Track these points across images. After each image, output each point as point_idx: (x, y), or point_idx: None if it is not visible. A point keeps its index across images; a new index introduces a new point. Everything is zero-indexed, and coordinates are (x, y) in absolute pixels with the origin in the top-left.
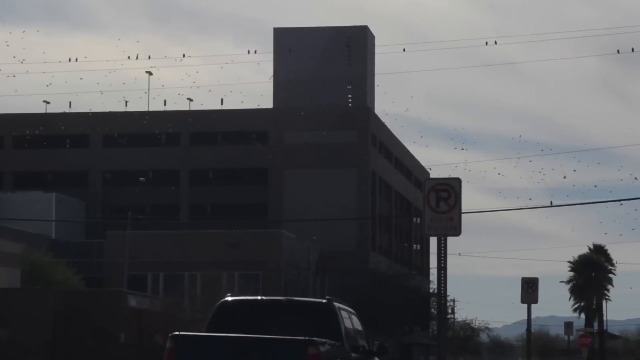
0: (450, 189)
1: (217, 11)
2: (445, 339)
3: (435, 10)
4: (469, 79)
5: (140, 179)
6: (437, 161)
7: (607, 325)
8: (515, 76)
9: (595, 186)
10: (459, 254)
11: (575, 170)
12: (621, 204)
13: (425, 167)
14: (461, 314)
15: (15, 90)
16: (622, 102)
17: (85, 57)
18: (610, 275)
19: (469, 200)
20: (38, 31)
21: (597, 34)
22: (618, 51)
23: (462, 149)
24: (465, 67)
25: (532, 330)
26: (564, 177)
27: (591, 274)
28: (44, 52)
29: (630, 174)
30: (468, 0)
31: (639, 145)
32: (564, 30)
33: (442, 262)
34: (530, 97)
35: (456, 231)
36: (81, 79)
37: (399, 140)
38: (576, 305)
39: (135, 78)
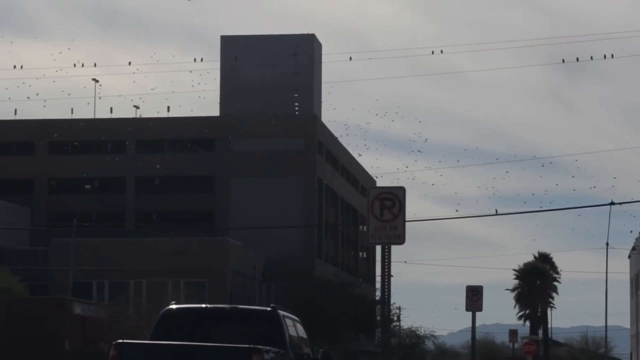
0: (394, 197)
1: (162, 18)
2: (389, 347)
3: (381, 19)
4: (416, 87)
5: (86, 186)
6: (383, 169)
7: (552, 333)
8: (462, 85)
9: (547, 193)
10: (405, 262)
11: (519, 179)
12: (579, 215)
13: (372, 176)
14: (407, 321)
15: None
16: (566, 111)
17: (29, 64)
18: (555, 283)
19: (415, 208)
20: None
21: (543, 43)
22: (563, 60)
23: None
24: (412, 76)
25: (478, 337)
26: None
27: (536, 281)
28: None
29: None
30: (413, 9)
31: (584, 154)
32: (509, 39)
33: (386, 270)
34: (477, 106)
35: (400, 240)
36: (30, 86)
37: (345, 148)
38: (521, 313)
39: (83, 86)
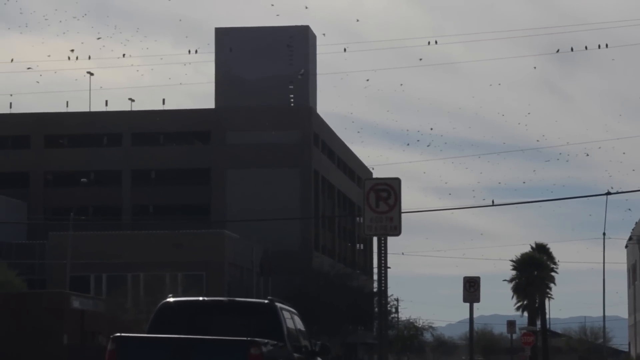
0: (390, 188)
1: (154, 11)
2: (386, 338)
3: (374, 10)
4: (410, 78)
5: (82, 179)
6: (379, 160)
7: (550, 324)
8: (455, 76)
9: (556, 184)
10: (402, 254)
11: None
12: (565, 208)
13: (368, 167)
14: (405, 313)
15: None
16: (561, 101)
17: (22, 57)
18: (553, 273)
19: (412, 199)
20: None
21: (536, 34)
22: (558, 50)
23: (405, 148)
24: (406, 67)
25: (476, 328)
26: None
27: (533, 272)
28: None
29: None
30: (406, 0)
31: (579, 144)
32: (502, 29)
33: (383, 261)
34: (471, 97)
35: (396, 231)
36: (39, 83)
37: (341, 140)
38: (519, 304)
39: (75, 79)
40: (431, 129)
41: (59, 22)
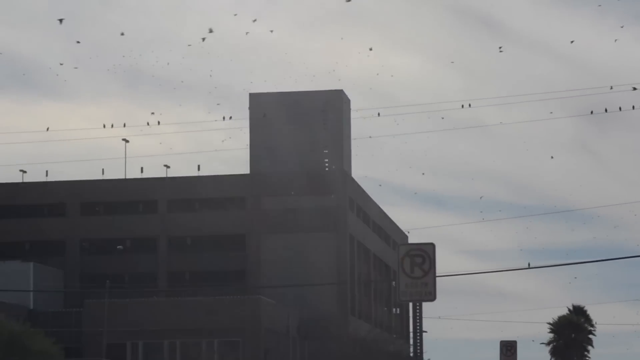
0: (424, 254)
1: (186, 77)
2: None
3: (406, 73)
4: (444, 141)
5: (118, 247)
6: (414, 224)
7: None
8: (488, 138)
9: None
10: (439, 318)
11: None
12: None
13: (403, 230)
14: None
15: None
16: (595, 162)
17: (57, 126)
18: (590, 336)
19: (447, 262)
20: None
21: (568, 95)
22: (592, 112)
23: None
24: (439, 130)
25: None
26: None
27: (571, 335)
28: (15, 121)
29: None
30: (438, 64)
31: (613, 206)
32: (534, 92)
33: (418, 326)
34: (504, 160)
35: (431, 296)
36: (75, 151)
37: (376, 204)
38: None
39: (111, 146)
40: (462, 193)
41: (91, 89)
